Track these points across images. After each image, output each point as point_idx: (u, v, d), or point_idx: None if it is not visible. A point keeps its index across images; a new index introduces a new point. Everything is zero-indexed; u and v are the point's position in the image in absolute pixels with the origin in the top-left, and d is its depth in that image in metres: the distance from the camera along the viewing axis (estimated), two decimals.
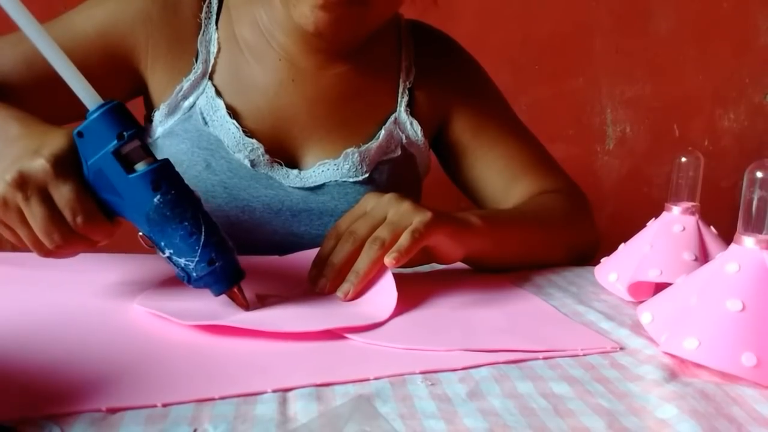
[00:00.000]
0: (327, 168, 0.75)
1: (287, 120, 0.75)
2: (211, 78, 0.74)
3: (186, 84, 0.73)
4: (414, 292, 0.58)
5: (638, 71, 1.48)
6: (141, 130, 0.49)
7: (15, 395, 0.37)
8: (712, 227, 0.62)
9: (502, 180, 0.81)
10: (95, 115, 0.48)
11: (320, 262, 0.58)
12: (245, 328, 0.47)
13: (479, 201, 0.85)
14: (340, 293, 0.55)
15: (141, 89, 0.76)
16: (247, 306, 0.52)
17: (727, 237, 0.52)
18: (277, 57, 0.75)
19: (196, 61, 0.74)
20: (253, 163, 0.72)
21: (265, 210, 0.73)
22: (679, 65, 1.50)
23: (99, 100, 0.48)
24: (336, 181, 0.75)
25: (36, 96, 0.69)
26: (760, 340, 0.44)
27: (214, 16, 0.75)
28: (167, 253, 0.49)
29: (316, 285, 0.57)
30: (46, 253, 0.51)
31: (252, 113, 0.74)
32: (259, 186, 0.73)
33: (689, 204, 0.61)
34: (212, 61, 0.74)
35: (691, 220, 0.61)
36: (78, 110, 0.72)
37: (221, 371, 0.42)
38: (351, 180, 0.75)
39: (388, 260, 0.55)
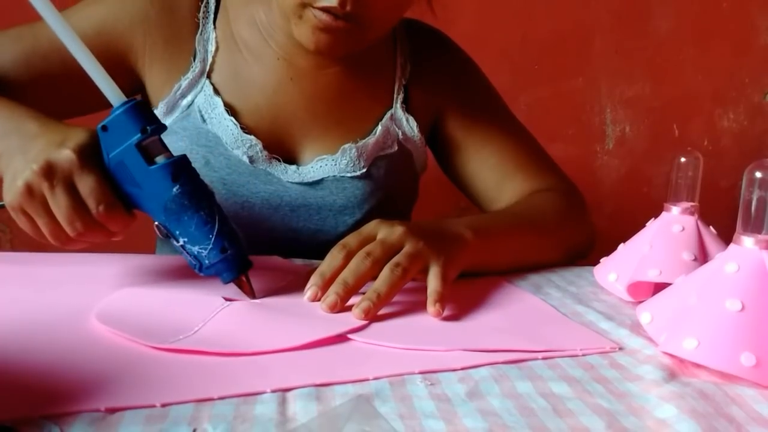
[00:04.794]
0: (325, 163, 0.75)
1: (286, 117, 0.75)
2: (209, 76, 0.74)
3: (184, 82, 0.74)
4: (413, 293, 0.58)
5: (638, 71, 1.48)
6: (161, 126, 0.52)
7: (15, 395, 0.37)
8: (711, 227, 0.62)
9: (494, 177, 0.82)
10: (121, 110, 0.51)
11: (327, 278, 0.56)
12: (217, 352, 0.44)
13: (473, 197, 0.85)
14: (358, 311, 0.52)
15: (138, 88, 0.77)
16: (253, 295, 0.55)
17: (726, 237, 0.52)
18: (275, 56, 0.75)
19: (194, 60, 0.74)
20: (251, 159, 0.73)
21: (264, 205, 0.74)
22: (678, 65, 1.50)
23: (123, 98, 0.52)
24: (334, 176, 0.75)
25: (32, 93, 0.69)
26: (759, 340, 0.44)
27: (212, 16, 0.76)
28: (181, 241, 0.52)
29: (323, 302, 0.53)
30: (63, 242, 0.53)
31: (250, 111, 0.74)
32: (258, 182, 0.73)
33: (688, 204, 0.61)
34: (210, 59, 0.75)
35: (691, 220, 0.61)
36: (70, 109, 0.73)
37: (221, 371, 0.42)
38: (349, 175, 0.75)
39: (433, 310, 0.53)
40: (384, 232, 0.59)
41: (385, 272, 0.55)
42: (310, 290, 0.55)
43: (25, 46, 0.71)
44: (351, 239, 0.59)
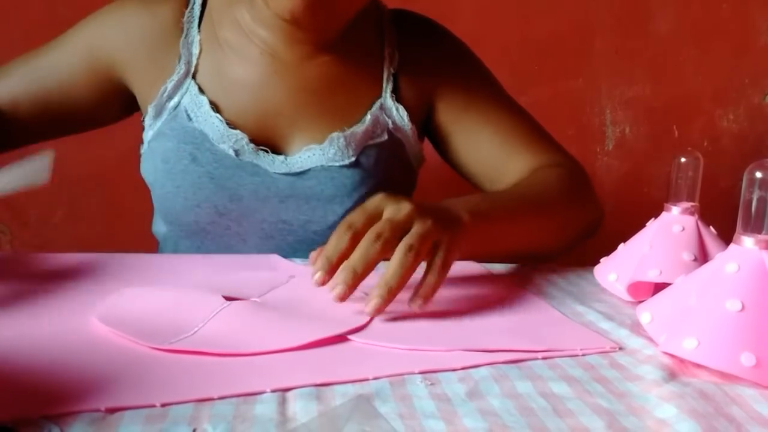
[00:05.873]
0: (313, 153, 0.74)
1: (272, 112, 0.75)
2: (194, 77, 0.75)
3: (170, 85, 0.74)
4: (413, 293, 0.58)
5: (638, 72, 1.48)
6: None
7: (15, 395, 0.37)
8: (711, 227, 0.62)
9: (497, 156, 0.80)
10: None
11: (333, 262, 0.54)
12: (217, 352, 0.44)
13: (476, 182, 0.83)
14: (369, 310, 0.51)
15: (131, 98, 0.79)
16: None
17: (726, 237, 0.52)
18: (258, 51, 0.75)
19: (179, 63, 0.75)
20: (237, 153, 0.73)
21: (252, 197, 0.74)
22: (678, 66, 1.50)
23: None
24: (322, 165, 0.74)
25: (35, 125, 0.77)
26: (759, 340, 0.44)
27: (196, 20, 0.76)
28: None
29: (333, 292, 0.52)
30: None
31: (236, 108, 0.74)
32: (245, 174, 0.73)
33: (688, 204, 0.61)
34: (195, 61, 0.75)
35: (691, 220, 0.61)
36: (61, 131, 0.80)
37: (220, 371, 0.42)
38: (337, 164, 0.74)
39: (415, 305, 0.53)
40: (391, 209, 0.56)
41: (399, 258, 0.53)
42: (317, 275, 0.53)
43: (26, 80, 0.77)
44: (356, 218, 0.56)
